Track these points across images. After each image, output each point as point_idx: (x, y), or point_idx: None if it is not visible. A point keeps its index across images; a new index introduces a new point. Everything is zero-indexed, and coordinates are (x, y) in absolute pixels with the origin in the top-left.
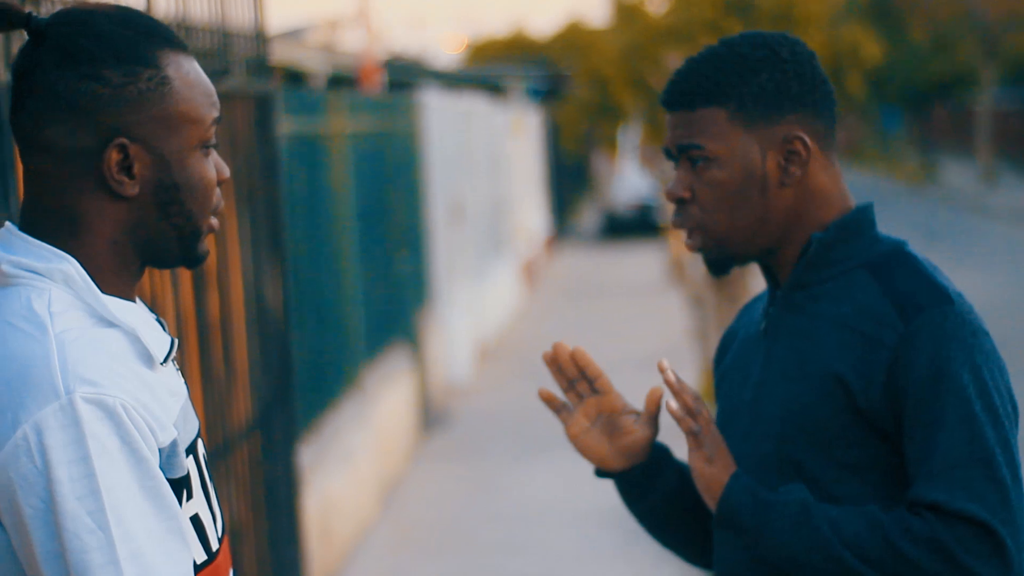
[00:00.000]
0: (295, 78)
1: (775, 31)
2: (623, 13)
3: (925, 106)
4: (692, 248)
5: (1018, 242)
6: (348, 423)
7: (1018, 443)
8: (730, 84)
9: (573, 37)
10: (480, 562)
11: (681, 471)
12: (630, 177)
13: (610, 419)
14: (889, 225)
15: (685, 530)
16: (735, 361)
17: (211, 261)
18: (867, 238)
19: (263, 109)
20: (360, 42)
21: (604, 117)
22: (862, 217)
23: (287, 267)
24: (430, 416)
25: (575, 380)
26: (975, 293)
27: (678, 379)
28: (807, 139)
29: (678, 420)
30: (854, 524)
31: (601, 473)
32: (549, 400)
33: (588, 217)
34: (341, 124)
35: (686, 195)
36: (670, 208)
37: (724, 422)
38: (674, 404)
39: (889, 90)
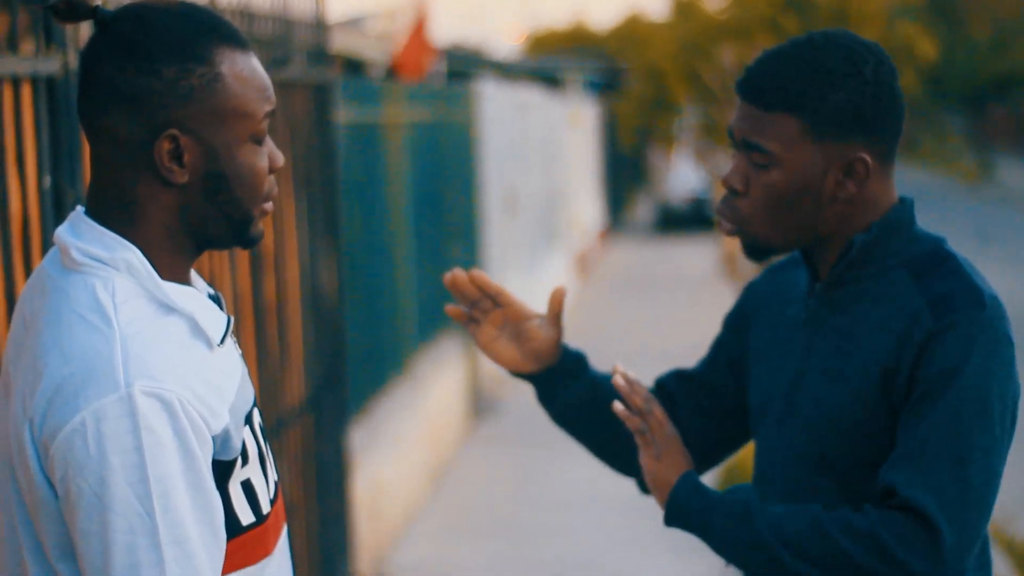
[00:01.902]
0: (354, 67)
1: (863, 40)
2: (681, 8)
3: (983, 105)
4: (727, 233)
5: None
6: (399, 408)
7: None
8: (809, 96)
9: (632, 31)
10: (525, 546)
11: (595, 380)
12: (684, 171)
13: (516, 326)
14: (943, 225)
15: (601, 435)
16: (770, 344)
17: (268, 245)
18: (906, 236)
19: (322, 98)
20: (405, 28)
21: (660, 111)
22: (902, 215)
23: (342, 253)
24: (480, 404)
25: (478, 300)
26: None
27: (628, 381)
28: (870, 161)
29: (624, 420)
30: (795, 523)
31: (517, 374)
32: (456, 315)
33: (642, 210)
34: (398, 113)
35: (740, 188)
36: (720, 194)
37: (758, 408)
38: (618, 406)
39: (947, 88)
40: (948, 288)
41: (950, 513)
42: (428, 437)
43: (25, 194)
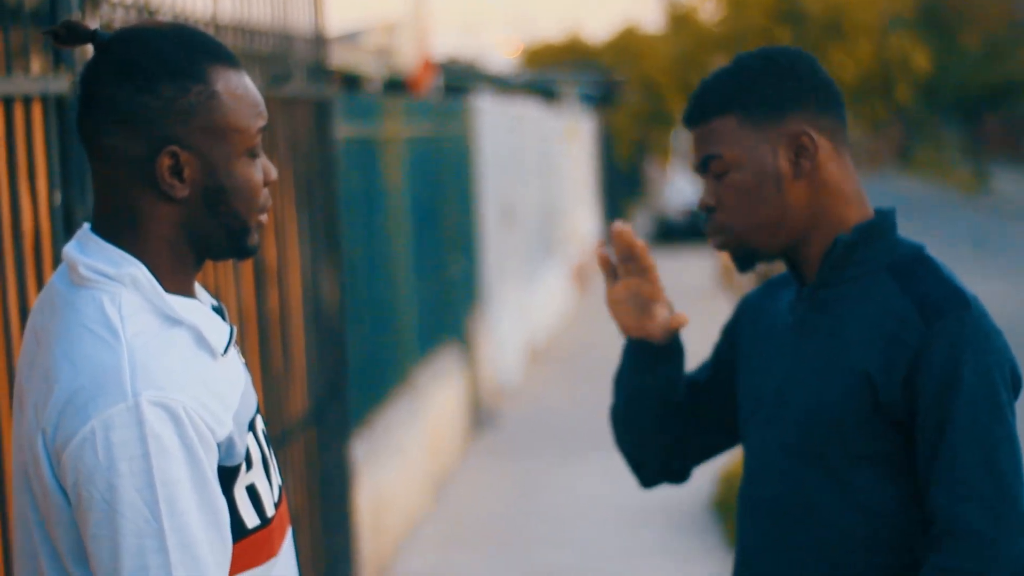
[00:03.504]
0: (351, 81)
1: (779, 46)
2: (676, 21)
3: (977, 115)
4: (716, 247)
5: None
6: (400, 419)
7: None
8: (735, 92)
9: (627, 43)
10: (526, 556)
11: (688, 380)
12: (681, 183)
13: (646, 302)
14: (939, 234)
15: (651, 425)
16: (760, 349)
17: (271, 258)
18: (888, 241)
19: (322, 113)
20: (413, 46)
21: (656, 124)
22: (884, 221)
23: (343, 266)
24: (480, 415)
25: (626, 260)
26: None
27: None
28: (812, 133)
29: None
30: None
31: (629, 340)
32: (603, 262)
33: (639, 222)
34: (396, 128)
35: (712, 203)
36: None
37: (748, 408)
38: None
39: (940, 98)
40: (931, 289)
41: (996, 514)
42: (429, 448)
43: (37, 210)
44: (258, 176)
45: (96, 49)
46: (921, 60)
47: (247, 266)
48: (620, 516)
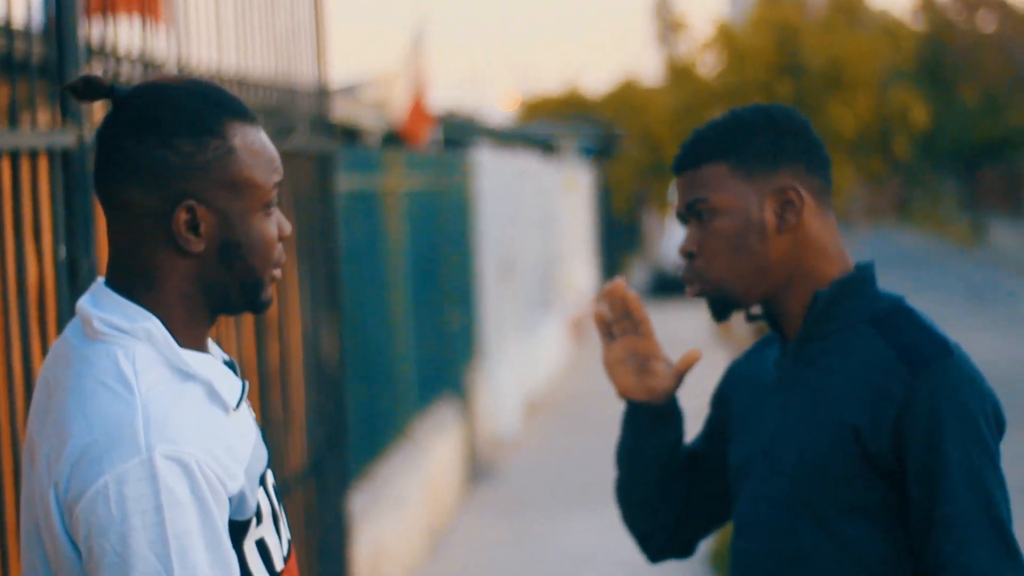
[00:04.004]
0: (350, 134)
1: (774, 103)
2: (676, 74)
3: (975, 168)
4: (692, 294)
5: None
6: (398, 471)
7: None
8: (730, 142)
9: (626, 96)
10: None
11: (686, 451)
12: (679, 236)
13: (643, 359)
14: (936, 286)
15: (651, 491)
16: (749, 409)
17: (272, 311)
18: (868, 294)
19: (324, 167)
20: (407, 97)
21: (655, 176)
22: (864, 275)
23: (343, 319)
24: (478, 468)
25: (622, 318)
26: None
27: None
28: (800, 190)
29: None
30: None
31: (624, 398)
32: (599, 319)
33: (637, 275)
34: (397, 181)
35: (694, 249)
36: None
37: (740, 466)
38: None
39: (939, 151)
40: (913, 339)
41: (1001, 559)
42: (427, 500)
43: (42, 263)
44: (273, 231)
45: (113, 104)
46: (920, 114)
47: (248, 318)
48: (618, 570)
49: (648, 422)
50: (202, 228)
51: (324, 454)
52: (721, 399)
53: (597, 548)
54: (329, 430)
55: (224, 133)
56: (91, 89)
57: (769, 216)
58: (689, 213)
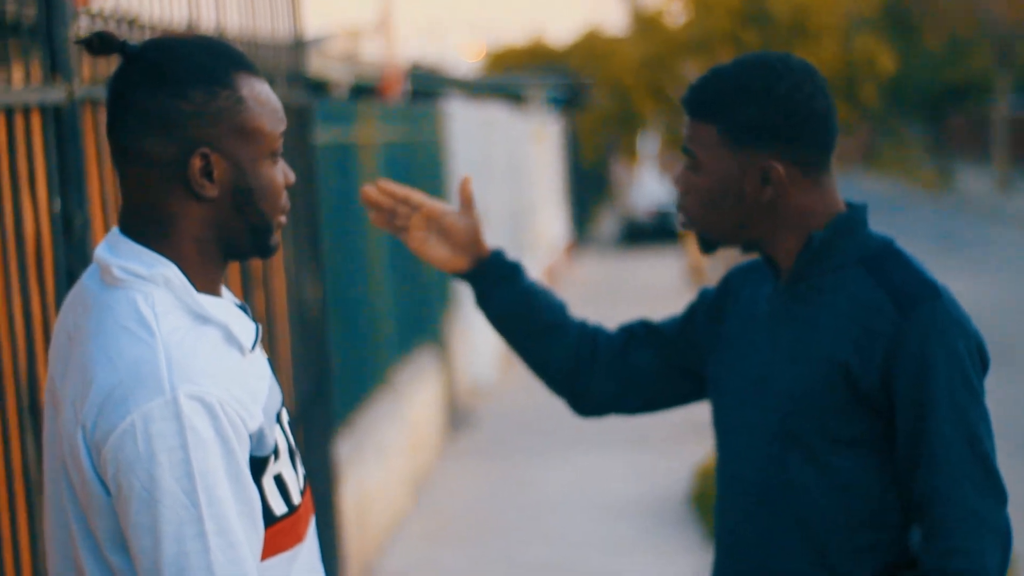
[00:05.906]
0: (318, 87)
1: (797, 62)
2: (641, 23)
3: (941, 113)
4: (680, 225)
5: None
6: (381, 419)
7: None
8: (723, 107)
9: (591, 46)
10: (506, 550)
11: (531, 288)
12: (649, 184)
13: (439, 224)
14: (905, 231)
15: (534, 345)
16: (740, 333)
17: (256, 262)
18: (860, 236)
19: (301, 120)
20: (381, 52)
21: (623, 125)
22: (856, 216)
23: (324, 270)
24: (457, 415)
25: (394, 209)
26: (987, 298)
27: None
28: (782, 170)
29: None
30: None
31: (457, 275)
32: (379, 223)
33: (607, 224)
34: (371, 133)
35: (680, 188)
36: None
37: (726, 389)
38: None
39: (905, 98)
40: (904, 281)
41: (986, 493)
42: (409, 447)
43: (37, 216)
44: (280, 178)
45: (126, 59)
46: (885, 61)
47: (234, 269)
48: (597, 511)
49: (486, 284)
50: (216, 174)
51: (310, 402)
52: (714, 309)
53: (576, 491)
54: (314, 378)
55: (234, 84)
56: (105, 44)
57: (749, 188)
58: (684, 152)
